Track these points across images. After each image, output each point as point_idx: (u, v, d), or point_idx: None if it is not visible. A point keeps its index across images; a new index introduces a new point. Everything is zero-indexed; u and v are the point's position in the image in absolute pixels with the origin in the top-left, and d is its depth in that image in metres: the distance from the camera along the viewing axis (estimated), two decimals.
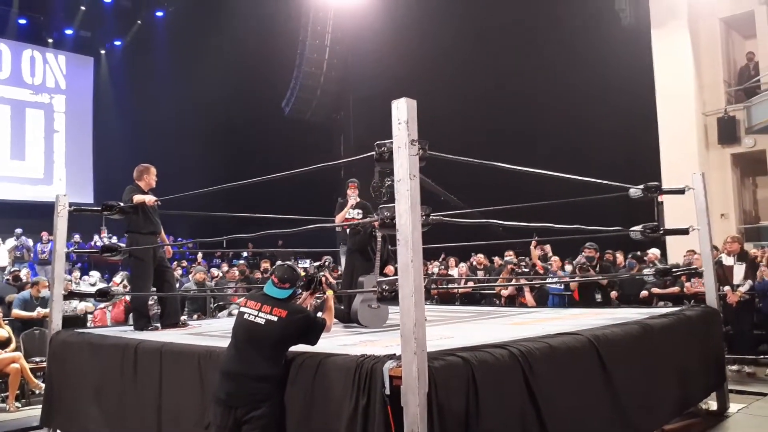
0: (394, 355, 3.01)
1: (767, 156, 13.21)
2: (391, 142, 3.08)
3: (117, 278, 12.45)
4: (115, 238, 18.11)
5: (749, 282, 7.95)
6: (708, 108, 13.96)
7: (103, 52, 24.26)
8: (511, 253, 10.11)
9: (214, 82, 20.65)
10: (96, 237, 18.66)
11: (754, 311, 8.01)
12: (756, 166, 13.83)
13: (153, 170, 6.06)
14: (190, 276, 10.72)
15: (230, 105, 21.25)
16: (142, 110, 22.22)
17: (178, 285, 8.70)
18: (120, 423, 4.57)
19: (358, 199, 6.07)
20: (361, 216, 5.90)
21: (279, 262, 3.80)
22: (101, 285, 11.48)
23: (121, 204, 5.72)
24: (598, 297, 8.15)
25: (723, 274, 7.88)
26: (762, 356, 7.98)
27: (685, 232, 6.07)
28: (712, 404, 5.71)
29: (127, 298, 8.38)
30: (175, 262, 12.42)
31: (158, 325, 5.89)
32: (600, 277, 8.06)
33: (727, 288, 7.83)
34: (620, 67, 14.27)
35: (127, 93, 23.20)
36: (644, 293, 8.71)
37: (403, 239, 2.94)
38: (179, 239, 19.23)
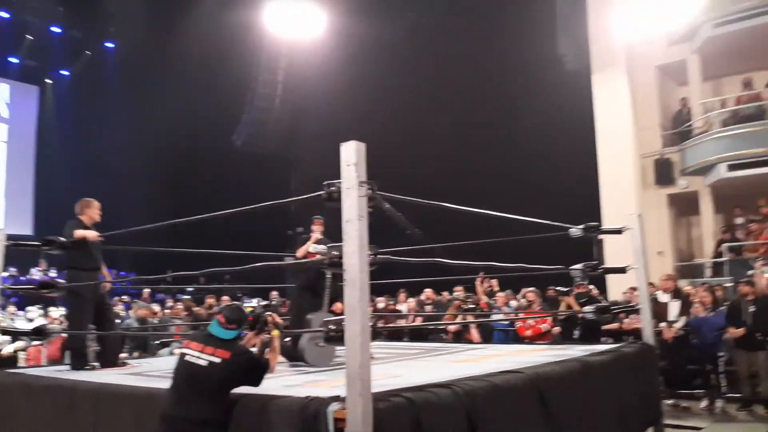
0: (339, 396, 3.00)
1: (699, 197, 13.89)
2: (341, 182, 3.13)
3: (54, 314, 11.97)
4: (54, 271, 17.47)
5: (684, 318, 8.28)
6: (645, 150, 14.64)
7: (49, 81, 23.69)
8: (460, 289, 10.24)
9: (164, 115, 20.39)
10: (33, 270, 17.96)
11: (689, 347, 8.32)
12: (690, 205, 14.51)
13: (96, 204, 5.91)
14: (131, 312, 10.40)
15: (180, 139, 20.98)
16: (88, 142, 21.71)
17: (119, 321, 8.44)
18: None
19: (321, 236, 6.05)
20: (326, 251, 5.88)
21: (227, 302, 3.77)
22: (41, 320, 11.03)
23: (61, 239, 5.56)
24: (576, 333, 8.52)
25: (659, 311, 8.18)
26: (696, 390, 8.26)
27: (622, 270, 6.29)
28: None
29: (64, 335, 8.05)
30: (116, 297, 12.01)
31: (96, 364, 5.69)
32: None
33: (663, 324, 8.12)
34: (563, 109, 14.88)
35: (73, 124, 22.67)
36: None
37: (350, 279, 2.97)
38: (121, 273, 18.67)
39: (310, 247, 5.93)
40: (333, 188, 3.26)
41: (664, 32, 14.03)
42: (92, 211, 5.85)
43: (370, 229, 3.05)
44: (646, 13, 13.70)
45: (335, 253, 3.22)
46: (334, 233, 3.37)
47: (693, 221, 15.03)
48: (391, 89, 17.85)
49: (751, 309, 7.89)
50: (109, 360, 5.66)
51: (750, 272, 9.40)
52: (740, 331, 7.78)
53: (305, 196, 3.81)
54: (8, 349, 8.23)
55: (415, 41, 17.70)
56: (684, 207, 14.85)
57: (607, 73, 14.67)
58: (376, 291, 10.07)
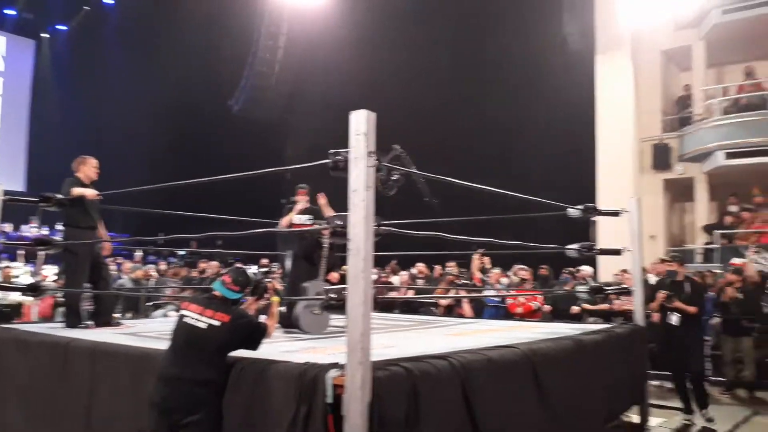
0: (338, 363, 3.03)
1: (694, 183, 13.95)
2: (347, 152, 3.11)
3: (46, 271, 11.96)
4: (46, 229, 17.39)
5: None
6: (644, 134, 14.63)
7: (46, 35, 23.28)
8: (453, 264, 10.29)
9: (163, 75, 20.16)
10: (24, 227, 17.89)
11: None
12: (685, 191, 14.58)
13: (92, 161, 5.83)
14: (123, 273, 10.39)
15: (178, 100, 20.73)
16: (84, 100, 21.43)
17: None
18: (47, 426, 4.39)
19: (307, 205, 6.03)
20: (312, 222, 5.87)
21: (236, 266, 3.77)
22: (26, 277, 11.02)
23: (59, 196, 5.52)
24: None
25: (649, 294, 8.25)
26: None
27: (618, 252, 6.34)
28: (634, 417, 5.97)
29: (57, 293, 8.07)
30: (110, 259, 12.03)
31: (90, 322, 5.70)
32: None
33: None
34: (565, 89, 14.80)
35: (69, 81, 22.34)
36: (576, 309, 9.02)
37: (355, 249, 2.97)
38: (112, 234, 18.62)
39: (294, 217, 5.91)
40: (339, 157, 3.25)
41: (671, 17, 13.95)
42: (88, 168, 5.77)
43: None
44: None
45: (339, 222, 3.21)
46: (337, 203, 3.36)
47: (687, 207, 15.12)
48: (395, 62, 17.68)
49: (738, 296, 8.00)
50: (103, 319, 5.67)
51: (735, 260, 9.50)
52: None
53: (309, 164, 3.79)
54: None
55: (421, 12, 17.48)
56: (679, 193, 14.91)
57: (611, 55, 14.59)
58: (376, 263, 10.10)
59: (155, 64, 20.41)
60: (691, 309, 5.98)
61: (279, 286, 3.74)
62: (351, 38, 18.25)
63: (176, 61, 20.36)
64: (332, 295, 3.26)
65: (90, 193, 5.55)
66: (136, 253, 14.51)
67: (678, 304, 6.24)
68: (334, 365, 3.02)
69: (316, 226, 5.60)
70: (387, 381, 2.98)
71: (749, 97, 13.21)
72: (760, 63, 13.66)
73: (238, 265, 4.48)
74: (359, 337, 2.88)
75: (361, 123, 3.04)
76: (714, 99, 13.69)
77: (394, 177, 3.56)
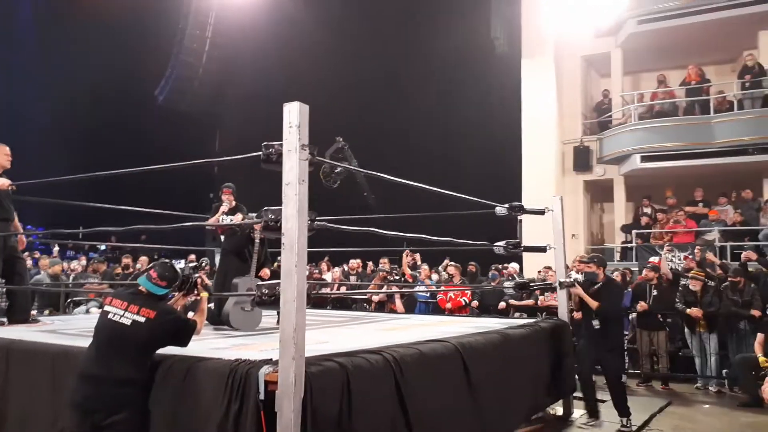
0: (270, 359, 2.99)
1: (614, 184, 14.62)
2: (281, 145, 3.07)
3: None
4: None
5: None
6: (566, 137, 15.21)
7: None
8: (385, 260, 10.37)
9: (85, 62, 19.20)
10: None
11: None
12: (604, 192, 15.27)
13: (5, 149, 5.45)
14: (41, 268, 9.86)
15: (102, 87, 19.82)
16: (0, 88, 20.14)
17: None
18: None
19: (233, 204, 5.88)
20: (240, 219, 5.74)
21: (162, 260, 3.64)
22: None
23: None
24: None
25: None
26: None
27: (542, 249, 6.56)
28: (558, 410, 6.20)
29: None
30: (26, 253, 11.38)
31: (4, 320, 5.38)
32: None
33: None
34: (492, 91, 15.19)
35: None
36: (502, 304, 9.27)
37: (288, 244, 2.94)
38: (29, 227, 17.62)
39: (220, 219, 5.75)
40: (271, 150, 3.20)
41: (591, 24, 14.54)
42: (0, 156, 5.43)
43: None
44: (576, 4, 14.16)
45: (271, 216, 3.16)
46: (271, 196, 3.31)
47: (606, 207, 15.82)
48: (322, 53, 17.58)
49: (654, 293, 8.46)
50: (18, 317, 5.36)
51: (653, 258, 10.02)
52: (644, 305, 8.28)
53: (241, 156, 3.72)
54: None
55: (353, 4, 17.47)
56: (598, 193, 15.59)
57: (536, 60, 15.06)
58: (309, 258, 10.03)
59: (77, 50, 19.42)
60: (594, 303, 6.01)
61: (208, 281, 3.65)
62: (281, 30, 18.03)
63: (100, 47, 19.46)
64: (265, 291, 3.20)
65: (3, 182, 5.22)
66: (54, 248, 13.78)
67: (578, 291, 6.15)
68: (267, 361, 2.99)
69: (247, 220, 5.50)
70: (320, 376, 2.97)
71: (662, 104, 13.98)
72: (672, 72, 14.48)
73: (144, 262, 4.34)
74: (293, 333, 2.85)
75: (293, 115, 3.01)
76: (630, 105, 14.40)
77: (338, 170, 3.54)
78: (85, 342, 3.40)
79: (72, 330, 4.89)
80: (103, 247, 16.64)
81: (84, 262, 11.68)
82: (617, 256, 13.46)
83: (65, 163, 14.75)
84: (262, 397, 2.86)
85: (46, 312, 7.97)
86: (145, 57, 20.38)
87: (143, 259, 10.42)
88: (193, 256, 12.56)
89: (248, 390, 2.90)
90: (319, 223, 3.36)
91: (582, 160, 14.86)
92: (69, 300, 9.00)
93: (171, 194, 13.14)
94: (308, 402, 2.85)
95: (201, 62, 20.98)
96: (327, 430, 2.94)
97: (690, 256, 10.02)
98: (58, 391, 3.54)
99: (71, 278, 10.22)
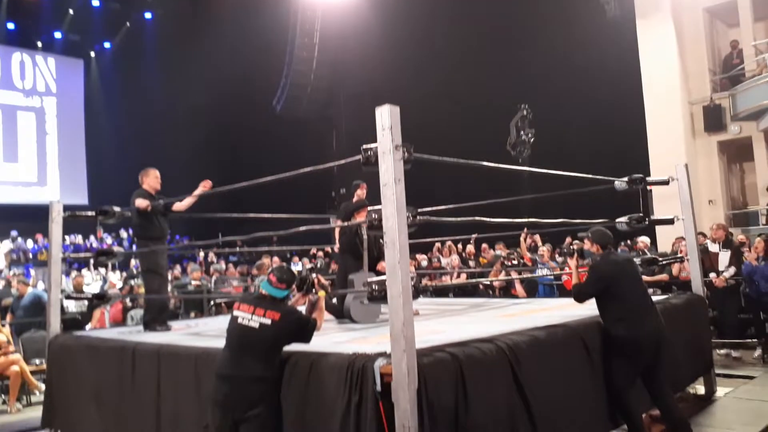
0: (385, 352, 3.10)
1: (753, 142, 13.38)
2: (377, 146, 3.18)
3: (113, 279, 12.54)
4: (110, 237, 18.22)
5: (733, 268, 8.09)
6: (694, 97, 14.13)
7: (92, 54, 24.24)
8: (501, 245, 10.24)
9: (205, 82, 20.69)
10: (93, 237, 18.83)
11: (740, 296, 8.16)
12: (742, 152, 14.02)
13: (153, 172, 5.96)
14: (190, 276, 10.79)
15: (221, 104, 21.34)
16: (133, 111, 22.28)
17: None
18: (119, 426, 4.64)
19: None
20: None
21: (279, 265, 3.90)
22: (97, 284, 11.56)
23: (115, 208, 5.77)
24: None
25: (709, 261, 8.02)
26: (749, 340, 8.13)
27: (670, 222, 6.20)
28: (699, 388, 5.85)
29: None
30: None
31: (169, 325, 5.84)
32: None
33: (712, 274, 7.98)
34: (606, 59, 14.42)
35: (118, 95, 23.25)
36: None
37: (390, 241, 3.04)
38: (176, 237, 19.36)
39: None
40: (369, 153, 3.32)
41: None
42: (150, 179, 5.93)
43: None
44: None
45: (374, 215, 3.27)
46: (372, 196, 3.43)
47: (746, 168, 14.52)
48: (427, 48, 17.62)
49: None
50: (151, 326, 5.73)
51: None
52: None
53: (343, 161, 3.89)
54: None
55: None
56: (736, 154, 14.36)
57: (652, 19, 14.10)
58: (417, 249, 10.18)
59: (197, 71, 20.96)
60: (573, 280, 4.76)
61: (324, 280, 3.84)
62: (383, 28, 18.26)
63: (217, 65, 20.88)
64: (375, 287, 3.34)
65: (142, 204, 5.66)
66: (199, 256, 14.95)
67: (570, 263, 5.12)
68: (382, 354, 3.10)
69: (356, 220, 5.68)
70: (433, 367, 3.04)
71: None
72: None
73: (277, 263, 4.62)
74: (401, 327, 2.95)
75: (385, 118, 3.09)
76: (765, 54, 13.05)
77: (523, 138, 3.56)
78: (223, 342, 3.70)
79: (212, 331, 5.32)
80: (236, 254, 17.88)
81: (224, 266, 12.62)
82: (762, 219, 12.32)
83: (197, 177, 15.97)
84: (379, 389, 2.99)
85: (192, 315, 8.71)
86: (262, 70, 21.57)
87: (276, 259, 11.06)
88: (320, 253, 13.13)
89: (366, 383, 3.04)
90: (422, 217, 3.45)
91: (714, 119, 13.74)
92: (213, 303, 9.77)
93: (294, 196, 13.92)
94: (423, 392, 2.93)
95: (312, 68, 21.84)
96: (443, 419, 3.01)
97: None
98: (201, 390, 3.88)
99: (213, 280, 11.07)
